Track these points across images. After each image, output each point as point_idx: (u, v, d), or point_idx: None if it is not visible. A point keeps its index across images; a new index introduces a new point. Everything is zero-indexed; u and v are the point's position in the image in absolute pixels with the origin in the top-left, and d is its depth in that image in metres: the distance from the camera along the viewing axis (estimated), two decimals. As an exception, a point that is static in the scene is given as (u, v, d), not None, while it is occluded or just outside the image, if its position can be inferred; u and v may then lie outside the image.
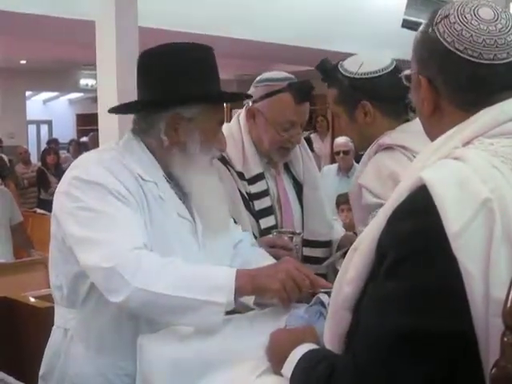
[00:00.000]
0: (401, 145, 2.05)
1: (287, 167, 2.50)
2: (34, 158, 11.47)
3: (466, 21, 1.25)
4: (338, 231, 2.58)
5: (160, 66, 1.89)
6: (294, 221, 2.42)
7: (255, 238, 2.27)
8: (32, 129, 16.79)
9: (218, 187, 1.97)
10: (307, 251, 2.40)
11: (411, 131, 2.01)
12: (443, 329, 1.08)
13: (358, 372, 1.12)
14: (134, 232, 1.74)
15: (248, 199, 2.31)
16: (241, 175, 2.32)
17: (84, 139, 13.18)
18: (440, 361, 1.09)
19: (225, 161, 2.29)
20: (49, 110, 17.60)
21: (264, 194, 2.35)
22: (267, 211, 2.34)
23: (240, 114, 2.43)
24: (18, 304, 2.85)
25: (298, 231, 2.28)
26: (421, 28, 1.33)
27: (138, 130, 1.94)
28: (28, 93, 16.00)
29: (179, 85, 1.87)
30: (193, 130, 1.88)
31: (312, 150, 2.64)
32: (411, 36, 1.38)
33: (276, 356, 1.40)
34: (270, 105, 2.30)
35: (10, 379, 1.72)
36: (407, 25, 8.15)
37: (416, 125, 1.57)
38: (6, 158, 9.13)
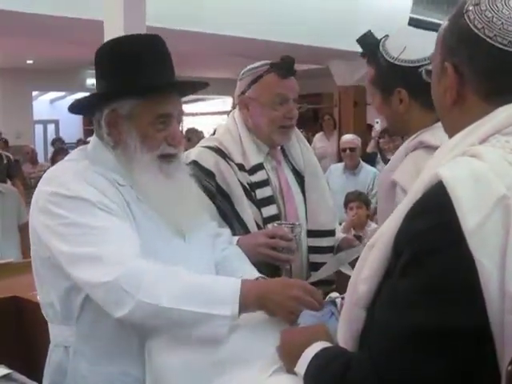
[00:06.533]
0: None
1: (288, 160, 2.52)
2: (41, 158, 11.49)
3: (497, 9, 1.26)
4: (338, 233, 2.59)
5: (99, 63, 1.84)
6: (297, 211, 2.44)
7: (258, 227, 2.29)
8: (39, 128, 16.85)
9: (171, 185, 1.85)
10: (312, 241, 2.43)
11: None
12: (459, 325, 1.08)
13: (375, 368, 1.12)
14: (129, 242, 1.68)
15: (249, 189, 2.33)
16: (241, 166, 2.34)
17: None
18: (457, 356, 1.09)
19: (224, 155, 2.33)
20: (55, 110, 17.63)
21: (264, 183, 2.36)
22: (269, 200, 2.36)
23: (234, 112, 2.47)
24: (27, 303, 2.84)
25: (297, 223, 2.29)
26: (449, 17, 1.33)
27: (95, 132, 1.88)
28: (35, 93, 16.06)
29: (111, 80, 1.80)
30: (130, 128, 1.80)
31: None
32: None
33: (289, 354, 1.40)
34: (259, 88, 2.36)
35: (24, 378, 1.71)
36: (414, 23, 8.15)
37: None
38: (12, 158, 9.14)
